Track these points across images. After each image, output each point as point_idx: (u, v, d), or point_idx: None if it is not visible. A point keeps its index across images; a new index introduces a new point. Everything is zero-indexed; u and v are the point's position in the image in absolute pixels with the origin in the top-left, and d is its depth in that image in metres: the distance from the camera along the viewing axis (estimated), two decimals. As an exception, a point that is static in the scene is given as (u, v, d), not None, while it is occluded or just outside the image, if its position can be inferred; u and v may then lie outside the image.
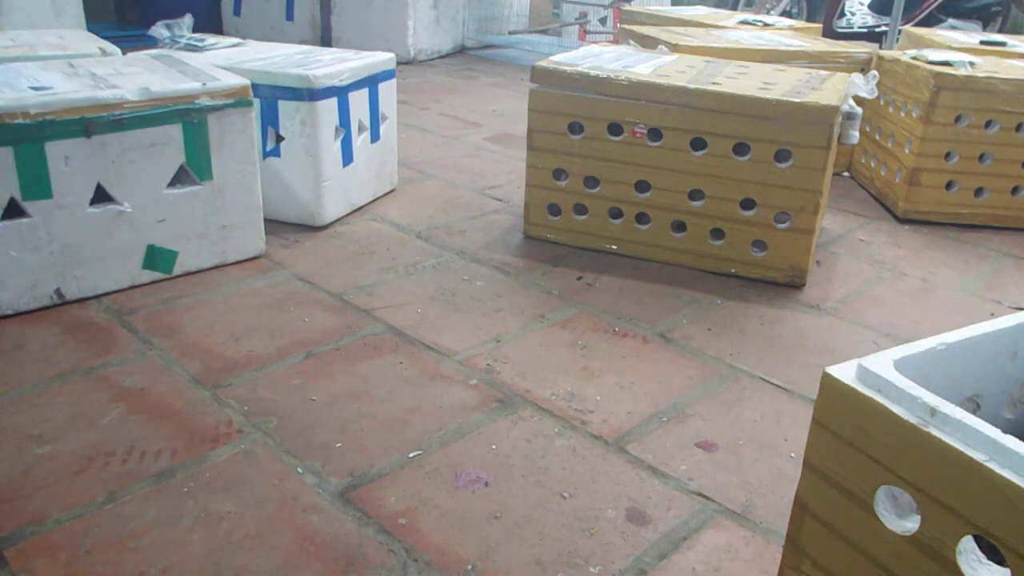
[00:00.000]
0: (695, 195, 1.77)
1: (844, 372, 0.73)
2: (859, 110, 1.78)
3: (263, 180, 1.77)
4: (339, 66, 1.91)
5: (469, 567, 0.97)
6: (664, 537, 1.03)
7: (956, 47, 2.58)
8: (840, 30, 5.01)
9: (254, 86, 1.70)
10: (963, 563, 0.65)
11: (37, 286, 1.50)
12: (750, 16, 3.30)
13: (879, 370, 0.71)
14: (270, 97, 1.84)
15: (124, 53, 1.95)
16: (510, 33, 4.91)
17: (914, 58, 2.23)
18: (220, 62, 1.87)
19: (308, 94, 1.82)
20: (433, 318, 1.56)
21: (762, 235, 1.75)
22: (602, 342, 1.51)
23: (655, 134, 1.76)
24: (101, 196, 1.53)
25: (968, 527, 0.64)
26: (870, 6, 5.13)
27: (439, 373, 1.38)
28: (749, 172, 1.71)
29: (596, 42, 3.32)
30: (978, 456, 0.63)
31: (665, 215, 1.81)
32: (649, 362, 1.45)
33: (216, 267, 1.72)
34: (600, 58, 1.95)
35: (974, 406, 0.83)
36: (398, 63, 2.22)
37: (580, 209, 1.88)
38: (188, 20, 2.17)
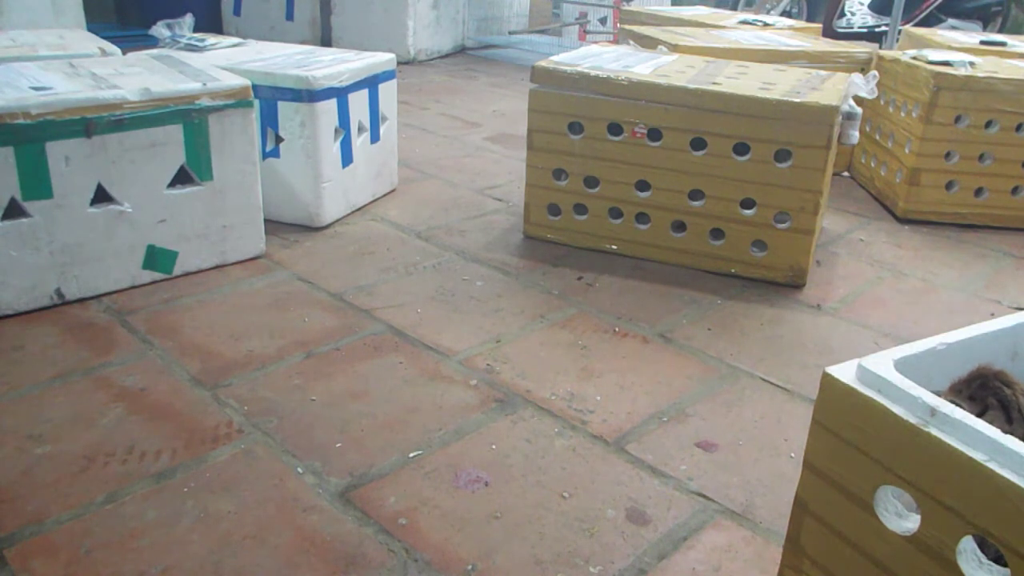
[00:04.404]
0: (695, 195, 1.78)
1: (844, 372, 0.73)
2: (859, 110, 1.78)
3: (262, 181, 1.77)
4: (339, 67, 1.91)
5: (469, 567, 0.97)
6: (664, 537, 1.03)
7: (956, 47, 2.58)
8: (840, 30, 5.01)
9: (254, 87, 1.70)
10: (963, 563, 0.65)
11: (37, 286, 1.50)
12: (750, 16, 3.30)
13: (879, 370, 0.71)
14: (270, 98, 1.84)
15: (124, 53, 1.95)
16: (510, 33, 4.91)
17: (914, 58, 2.23)
18: (220, 62, 1.87)
19: (308, 95, 1.82)
20: (433, 318, 1.56)
21: (762, 235, 1.75)
22: (602, 342, 1.51)
23: (655, 134, 1.76)
24: (101, 196, 1.53)
25: (968, 527, 0.64)
26: (870, 6, 5.13)
27: (439, 373, 1.38)
28: (749, 172, 1.71)
29: (596, 42, 3.32)
30: (978, 456, 0.63)
31: (665, 215, 1.81)
32: (649, 362, 1.45)
33: (216, 267, 1.72)
34: (600, 58, 1.95)
35: (974, 406, 0.83)
36: (398, 63, 2.22)
37: (580, 209, 1.88)
38: (189, 20, 2.17)
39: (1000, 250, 2.06)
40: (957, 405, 0.73)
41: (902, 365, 0.72)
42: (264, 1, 4.47)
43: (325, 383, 1.33)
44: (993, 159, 2.12)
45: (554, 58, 1.89)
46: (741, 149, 1.71)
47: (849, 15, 5.14)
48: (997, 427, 0.70)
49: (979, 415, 0.73)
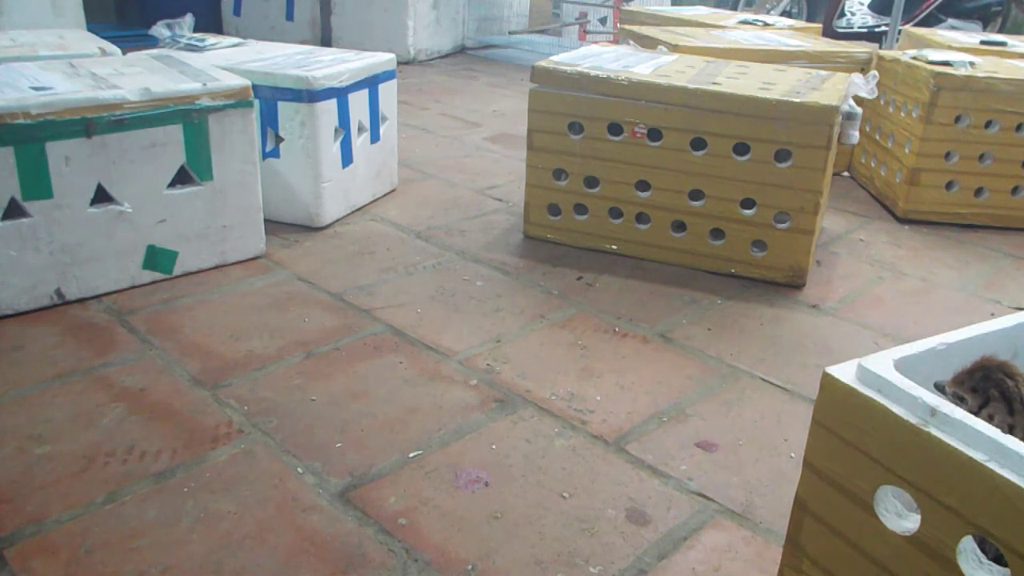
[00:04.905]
0: (695, 195, 1.77)
1: (844, 372, 0.73)
2: (859, 110, 1.78)
3: (262, 181, 1.77)
4: (339, 67, 1.91)
5: (469, 567, 0.97)
6: (664, 537, 1.03)
7: (956, 47, 2.58)
8: (840, 30, 5.01)
9: (254, 87, 1.70)
10: (963, 563, 0.65)
11: (37, 286, 1.50)
12: (750, 16, 3.30)
13: (879, 370, 0.71)
14: (270, 98, 1.84)
15: (124, 53, 1.95)
16: (510, 33, 4.91)
17: (914, 58, 2.23)
18: (220, 62, 1.87)
19: (308, 95, 1.82)
20: (433, 318, 1.56)
21: (762, 235, 1.75)
22: (602, 342, 1.51)
23: (655, 134, 1.76)
24: (101, 196, 1.53)
25: (968, 527, 0.64)
26: (870, 6, 5.13)
27: (439, 373, 1.38)
28: (749, 172, 1.71)
29: (596, 42, 3.32)
30: (978, 456, 0.63)
31: (665, 215, 1.81)
32: (649, 362, 1.45)
33: (216, 267, 1.72)
34: (600, 58, 1.95)
35: (974, 406, 0.83)
36: (398, 63, 2.22)
37: (580, 209, 1.88)
38: (189, 20, 2.17)
39: (1000, 250, 2.06)
40: (959, 396, 0.72)
41: (902, 365, 0.72)
42: (264, 1, 4.47)
43: (325, 383, 1.33)
44: (993, 159, 2.12)
45: (554, 58, 1.89)
46: (741, 149, 1.71)
47: (849, 15, 5.14)
48: (999, 419, 0.70)
49: (981, 407, 0.73)
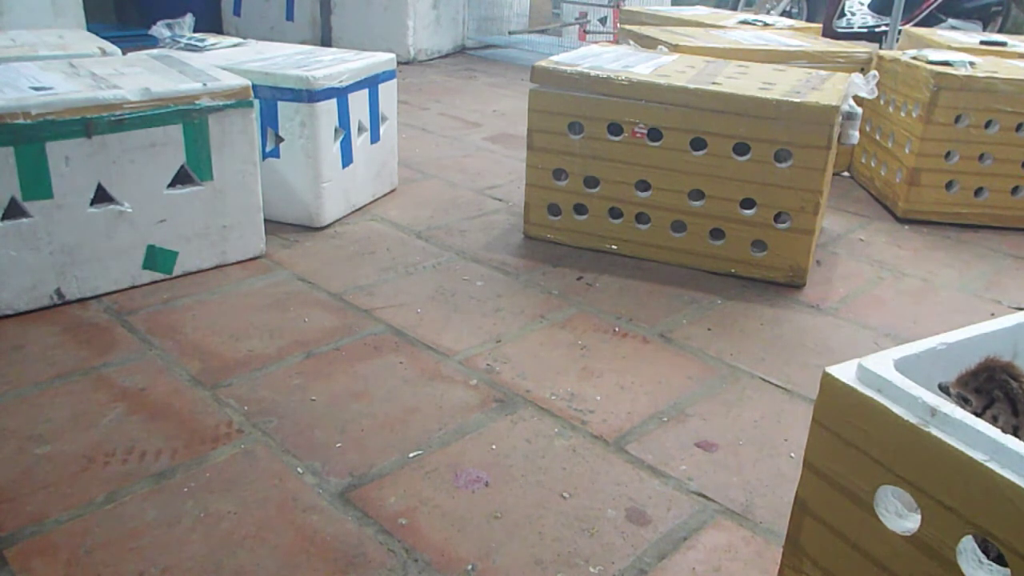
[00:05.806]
0: (695, 195, 1.77)
1: (844, 372, 0.73)
2: (859, 110, 1.78)
3: (262, 181, 1.77)
4: (339, 67, 1.91)
5: (469, 567, 0.97)
6: (664, 537, 1.03)
7: (956, 47, 2.58)
8: (840, 30, 5.01)
9: (254, 87, 1.70)
10: (963, 563, 0.65)
11: (37, 286, 1.50)
12: (750, 16, 3.30)
13: (879, 370, 0.71)
14: (270, 98, 1.84)
15: (124, 53, 1.95)
16: (510, 33, 4.91)
17: (914, 58, 2.23)
18: (220, 62, 1.87)
19: (307, 95, 1.82)
20: (433, 318, 1.56)
21: (762, 235, 1.75)
22: (602, 342, 1.51)
23: (655, 134, 1.76)
24: (101, 196, 1.53)
25: (968, 527, 0.64)
26: (870, 6, 5.13)
27: (439, 373, 1.38)
28: (749, 172, 1.71)
29: (596, 42, 3.32)
30: (978, 456, 0.63)
31: (665, 215, 1.81)
32: (649, 362, 1.45)
33: (216, 267, 1.72)
34: (600, 58, 1.95)
35: (974, 406, 0.83)
36: (398, 63, 2.22)
37: (580, 209, 1.88)
38: (189, 20, 2.17)
39: (1000, 250, 2.06)
40: (963, 398, 0.72)
41: (902, 365, 0.72)
42: (264, 1, 4.47)
43: (325, 383, 1.33)
44: (993, 159, 2.12)
45: (554, 58, 1.89)
46: (741, 149, 1.71)
47: (849, 15, 5.13)
48: (1004, 420, 0.70)
49: (985, 408, 0.73)
